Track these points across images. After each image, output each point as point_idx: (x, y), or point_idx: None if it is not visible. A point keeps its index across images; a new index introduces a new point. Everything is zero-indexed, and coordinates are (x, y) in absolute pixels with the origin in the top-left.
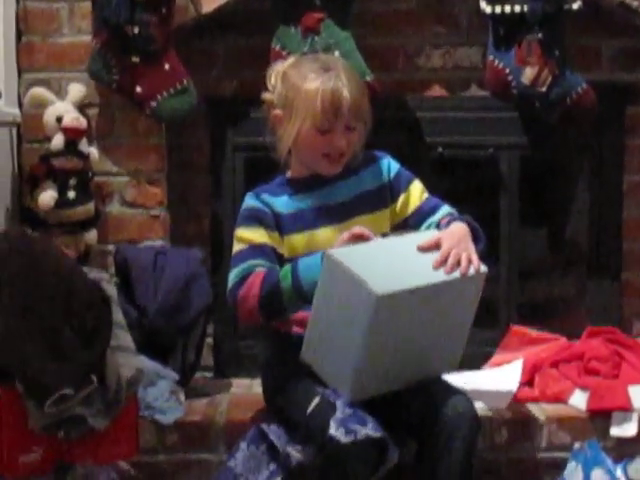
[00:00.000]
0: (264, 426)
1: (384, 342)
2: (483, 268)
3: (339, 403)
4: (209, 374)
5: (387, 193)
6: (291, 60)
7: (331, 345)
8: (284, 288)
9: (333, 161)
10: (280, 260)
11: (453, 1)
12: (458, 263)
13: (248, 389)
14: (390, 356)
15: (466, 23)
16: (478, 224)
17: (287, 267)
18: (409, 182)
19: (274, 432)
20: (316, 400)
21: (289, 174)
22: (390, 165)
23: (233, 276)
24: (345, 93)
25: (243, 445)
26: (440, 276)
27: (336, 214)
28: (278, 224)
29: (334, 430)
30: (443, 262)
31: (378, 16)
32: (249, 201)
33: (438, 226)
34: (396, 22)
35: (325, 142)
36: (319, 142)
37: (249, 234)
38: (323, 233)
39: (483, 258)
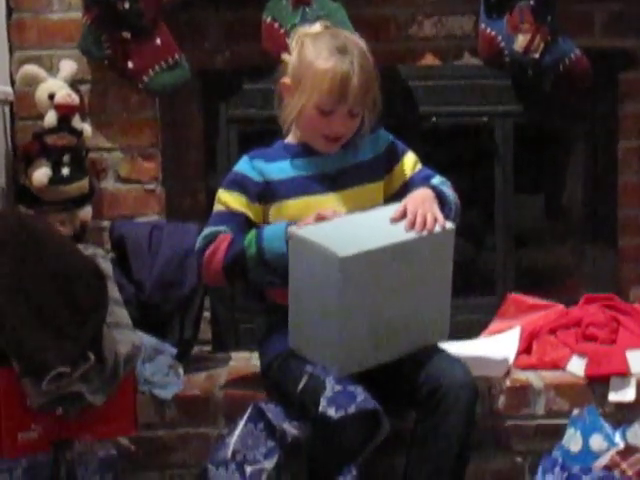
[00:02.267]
0: (262, 404)
1: (361, 307)
2: (449, 225)
3: (328, 380)
4: (207, 348)
5: (382, 165)
6: (316, 28)
7: (312, 324)
8: (248, 255)
9: (330, 142)
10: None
11: None
12: (425, 223)
13: (247, 362)
14: (372, 325)
15: None
16: (459, 193)
17: (252, 234)
18: (403, 154)
19: (271, 410)
20: (305, 378)
21: (288, 139)
22: (385, 137)
23: (202, 236)
24: (354, 79)
25: (241, 422)
26: (404, 236)
27: (331, 182)
28: (270, 191)
29: (324, 407)
30: (412, 224)
31: None
32: (242, 165)
33: None
34: None
35: (325, 123)
36: (319, 122)
37: (230, 199)
38: (318, 200)
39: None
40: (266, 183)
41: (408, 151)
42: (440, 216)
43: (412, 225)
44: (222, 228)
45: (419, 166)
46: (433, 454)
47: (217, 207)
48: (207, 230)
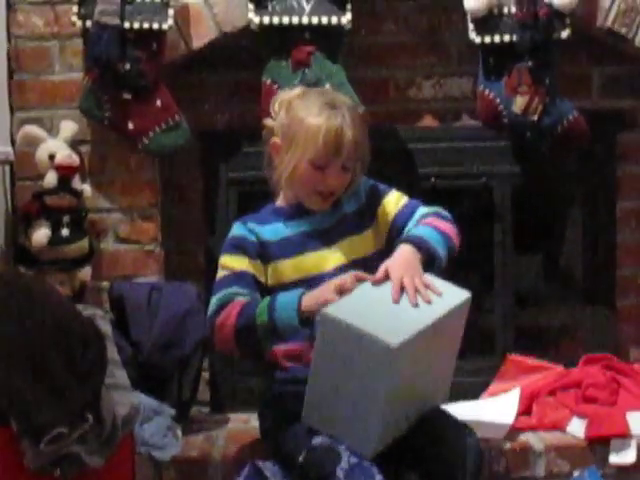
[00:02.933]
0: (260, 463)
1: (400, 390)
2: (466, 294)
3: (343, 450)
4: (206, 409)
5: (366, 213)
6: (298, 90)
7: (341, 404)
8: (259, 323)
9: (324, 199)
10: (261, 288)
11: (443, 32)
12: (417, 290)
13: (245, 424)
14: (407, 401)
15: (456, 53)
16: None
17: (265, 302)
18: (383, 194)
19: (269, 469)
20: (314, 445)
21: (278, 202)
22: (365, 184)
23: (213, 302)
24: (348, 133)
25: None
26: (435, 312)
27: (322, 239)
28: (265, 252)
29: (341, 479)
30: (399, 293)
31: (368, 48)
32: (236, 230)
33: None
34: (386, 54)
35: (319, 178)
36: (314, 178)
37: (232, 262)
38: (311, 257)
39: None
40: (261, 244)
41: (389, 190)
42: (429, 281)
43: (408, 294)
44: (234, 289)
45: (403, 201)
46: None
47: (222, 273)
48: (217, 295)
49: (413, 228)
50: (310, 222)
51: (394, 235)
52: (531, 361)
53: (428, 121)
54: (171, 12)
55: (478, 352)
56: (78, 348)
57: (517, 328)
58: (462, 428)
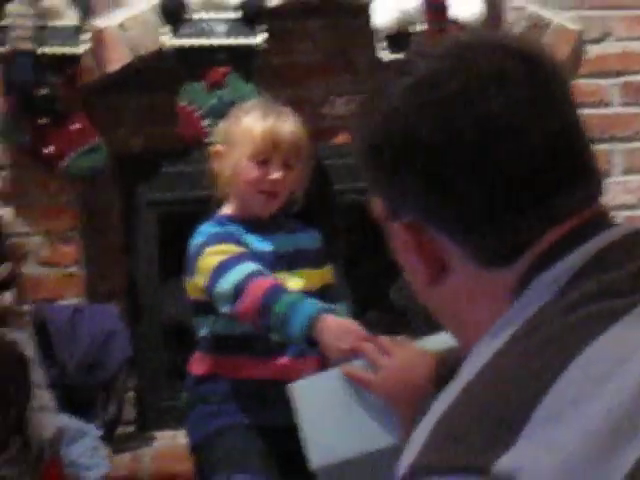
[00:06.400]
0: None
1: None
2: None
3: None
4: (132, 428)
5: (320, 257)
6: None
7: None
8: (277, 311)
9: (269, 199)
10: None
11: (352, 51)
12: None
13: (172, 440)
14: None
15: (366, 71)
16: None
17: (291, 298)
18: (327, 260)
19: None
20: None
21: (226, 211)
22: (319, 239)
23: (229, 279)
24: (285, 127)
25: None
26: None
27: (286, 262)
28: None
29: None
30: None
31: (281, 68)
32: (211, 228)
33: None
34: (299, 73)
35: (261, 175)
36: (256, 174)
37: (227, 247)
38: (280, 276)
39: None
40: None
41: (327, 260)
42: None
43: None
44: (246, 265)
45: (332, 277)
46: None
47: (217, 258)
48: (233, 271)
49: None
50: (275, 241)
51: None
52: None
53: (343, 138)
54: (85, 37)
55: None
56: (2, 374)
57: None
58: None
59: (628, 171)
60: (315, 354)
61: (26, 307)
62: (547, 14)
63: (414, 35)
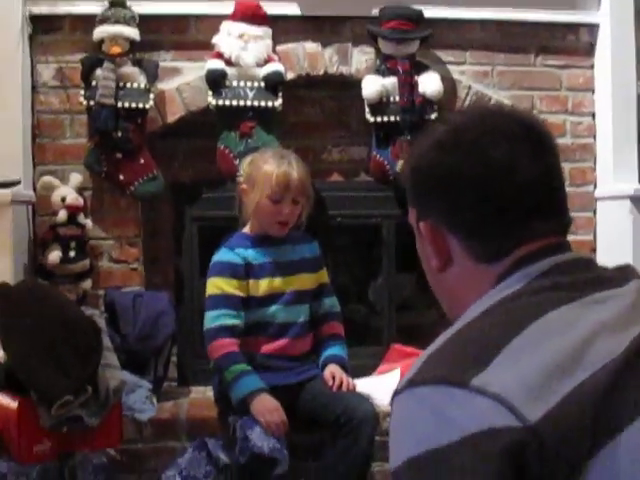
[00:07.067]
0: (205, 438)
1: None
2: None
3: (282, 457)
4: (174, 384)
5: (315, 264)
6: (257, 153)
7: None
8: (225, 375)
9: (281, 226)
10: (243, 302)
11: (346, 114)
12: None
13: (203, 394)
14: None
15: (356, 129)
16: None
17: (238, 368)
18: (322, 266)
19: (211, 442)
20: (260, 448)
21: (245, 230)
22: (317, 248)
23: (210, 319)
24: (294, 174)
25: (190, 450)
26: None
27: (286, 268)
28: (249, 270)
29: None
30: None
31: (293, 124)
32: (224, 255)
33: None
34: (306, 129)
35: (276, 210)
36: (272, 210)
37: (222, 283)
38: (278, 280)
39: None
40: (246, 264)
41: (323, 265)
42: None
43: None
44: (224, 311)
45: (326, 278)
46: (346, 465)
47: (213, 290)
48: (214, 312)
49: (332, 343)
50: (277, 254)
51: (317, 292)
52: (409, 349)
53: (336, 177)
54: (151, 96)
55: (370, 343)
56: (81, 338)
57: (398, 325)
58: (364, 397)
59: None
60: (308, 336)
61: (100, 292)
62: (489, 92)
63: (392, 104)
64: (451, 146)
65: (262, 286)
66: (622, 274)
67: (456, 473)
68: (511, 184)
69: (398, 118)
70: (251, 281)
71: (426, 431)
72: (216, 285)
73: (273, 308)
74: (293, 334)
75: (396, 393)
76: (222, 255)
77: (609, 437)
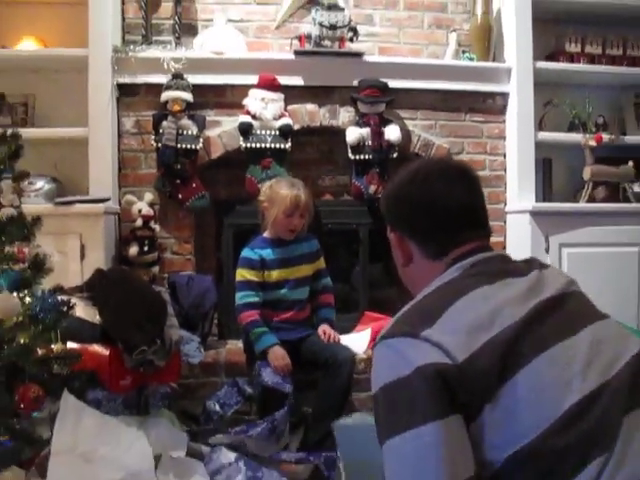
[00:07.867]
0: (237, 378)
1: None
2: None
3: (288, 388)
4: (216, 338)
5: (313, 257)
6: (274, 180)
7: None
8: (251, 335)
9: (291, 233)
10: (261, 285)
11: (335, 152)
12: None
13: (236, 346)
14: None
15: (342, 164)
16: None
17: (260, 330)
18: (320, 256)
19: (241, 381)
20: (267, 381)
21: (265, 234)
22: (316, 244)
23: (239, 297)
24: (302, 197)
25: (225, 386)
26: None
27: (292, 261)
28: (264, 264)
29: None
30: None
31: (298, 160)
32: (247, 253)
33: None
34: (307, 163)
35: (288, 222)
36: (286, 221)
37: (246, 273)
38: (286, 270)
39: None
40: (262, 260)
41: (321, 255)
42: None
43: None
44: (249, 293)
45: (323, 264)
46: (332, 394)
47: (239, 278)
48: (241, 293)
49: (325, 309)
50: (286, 251)
51: (316, 275)
52: (377, 315)
53: (327, 197)
54: (201, 140)
55: (351, 311)
56: (153, 306)
57: (370, 300)
58: (345, 347)
59: None
60: (308, 307)
61: (165, 275)
62: (433, 139)
63: (366, 146)
64: (409, 182)
65: (273, 275)
66: (528, 266)
67: (412, 390)
68: (449, 207)
69: (370, 156)
70: (265, 271)
71: (393, 366)
72: (241, 274)
73: (282, 291)
74: (297, 308)
75: (375, 344)
76: (245, 253)
77: (512, 372)
